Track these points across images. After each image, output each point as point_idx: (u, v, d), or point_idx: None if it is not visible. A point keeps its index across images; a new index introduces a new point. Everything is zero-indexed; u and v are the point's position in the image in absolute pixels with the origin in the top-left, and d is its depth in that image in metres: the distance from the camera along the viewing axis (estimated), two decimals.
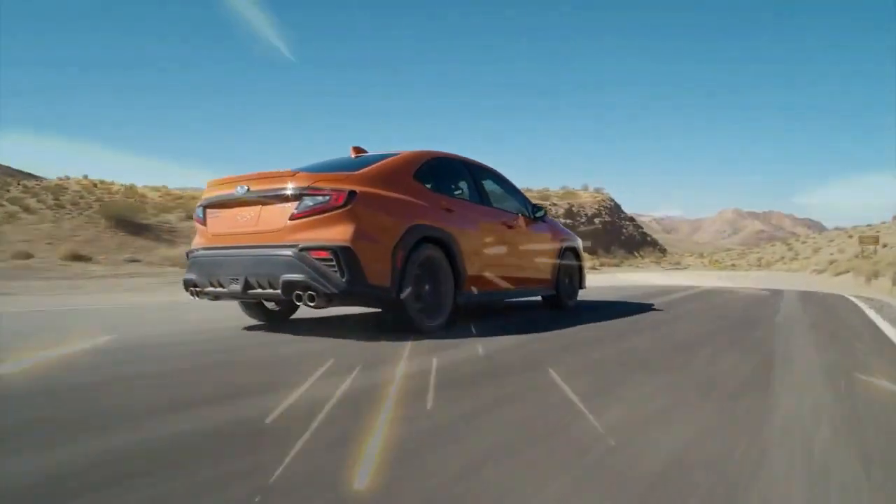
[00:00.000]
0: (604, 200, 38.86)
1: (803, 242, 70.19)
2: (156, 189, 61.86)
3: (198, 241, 4.22)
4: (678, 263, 50.03)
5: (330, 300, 3.51)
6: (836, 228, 75.89)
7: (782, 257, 63.26)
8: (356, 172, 3.86)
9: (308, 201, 3.58)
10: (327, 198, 3.55)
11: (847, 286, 14.18)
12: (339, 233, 3.50)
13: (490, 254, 4.70)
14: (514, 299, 6.83)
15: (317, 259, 3.47)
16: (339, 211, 3.54)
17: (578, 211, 32.67)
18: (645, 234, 40.74)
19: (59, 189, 39.45)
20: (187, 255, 4.24)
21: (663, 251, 41.44)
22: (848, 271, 19.52)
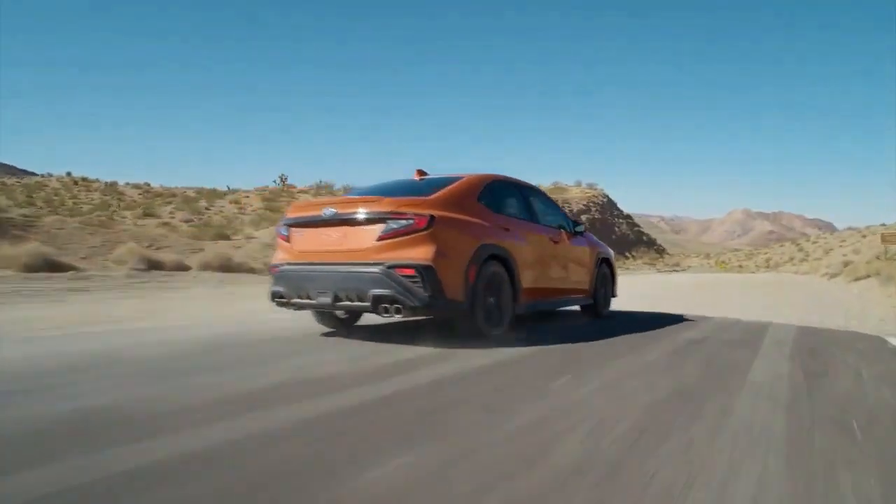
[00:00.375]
0: (595, 196, 35.50)
1: (814, 243, 66.67)
2: (137, 187, 59.92)
3: (282, 257, 4.56)
4: (677, 265, 46.75)
5: (414, 312, 3.97)
6: (849, 228, 72.27)
7: (791, 258, 60.28)
8: (431, 197, 4.27)
9: (393, 224, 3.98)
10: (411, 221, 3.97)
11: (872, 301, 10.69)
12: (422, 253, 3.93)
13: (540, 267, 5.14)
14: (557, 308, 6.58)
15: (402, 276, 3.89)
16: (422, 233, 3.96)
17: (562, 206, 29.22)
18: (641, 233, 37.32)
19: None
20: (271, 268, 4.65)
21: (660, 251, 37.92)
22: (868, 276, 16.06)
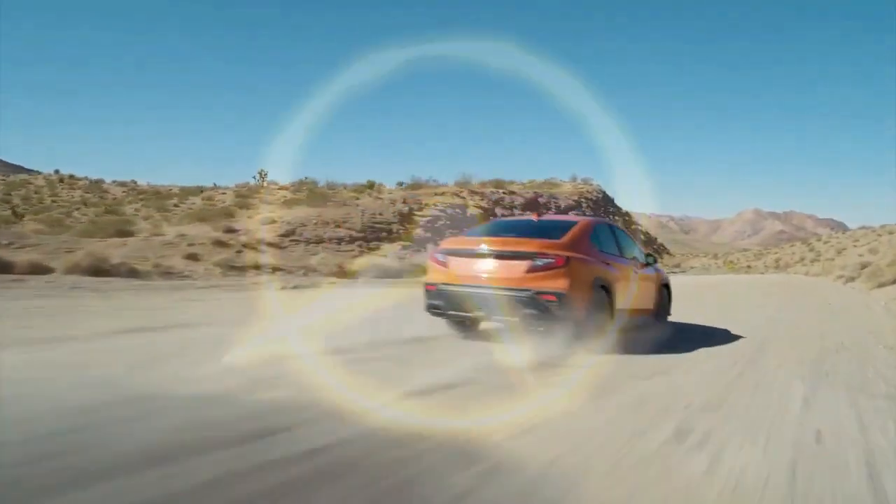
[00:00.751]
0: (589, 191, 32.76)
1: (825, 242, 63.30)
2: (123, 185, 58.21)
3: (438, 278, 5.68)
4: (678, 266, 43.82)
5: (551, 326, 5.13)
6: (863, 227, 68.72)
7: (802, 259, 57.16)
8: (562, 241, 5.51)
9: (539, 261, 5.25)
10: (552, 260, 5.25)
11: None
12: (560, 284, 5.16)
13: (627, 292, 6.26)
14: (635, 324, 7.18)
15: (545, 300, 5.12)
16: (560, 269, 5.22)
17: (548, 202, 26.51)
18: (639, 230, 34.36)
19: None
20: (427, 286, 5.75)
21: (660, 250, 34.96)
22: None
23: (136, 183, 59.34)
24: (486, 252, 5.45)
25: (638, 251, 7.18)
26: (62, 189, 53.22)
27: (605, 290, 5.68)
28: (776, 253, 77.67)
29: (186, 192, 39.96)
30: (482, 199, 23.00)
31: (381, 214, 17.91)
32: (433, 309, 5.67)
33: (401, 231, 17.45)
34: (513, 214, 26.30)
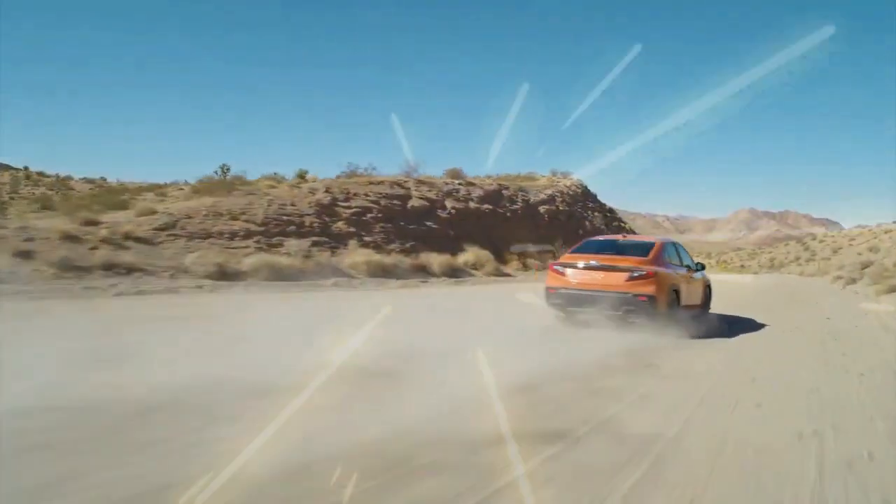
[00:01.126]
0: (569, 186, 29.99)
1: (821, 241, 60.65)
2: (90, 181, 55.74)
3: (559, 283, 7.77)
4: None
5: (643, 319, 7.28)
6: (859, 226, 66.10)
7: (797, 258, 54.55)
8: (648, 258, 7.61)
9: (635, 273, 7.33)
10: (644, 272, 7.33)
11: None
12: (650, 289, 7.25)
13: (686, 293, 8.31)
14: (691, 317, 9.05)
15: (640, 300, 7.23)
16: (650, 279, 7.32)
17: (514, 195, 23.72)
18: (621, 228, 31.64)
19: None
20: (549, 289, 7.86)
21: None
22: None
23: (105, 180, 56.77)
24: (595, 265, 7.60)
25: (690, 260, 9.10)
26: (26, 185, 50.89)
27: (675, 292, 7.86)
28: (770, 252, 75.09)
29: (143, 189, 37.05)
30: (430, 190, 20.20)
31: (293, 205, 15.15)
32: (555, 306, 7.89)
33: (316, 225, 14.71)
34: (515, 215, 23.81)
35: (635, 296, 7.17)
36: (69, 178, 58.87)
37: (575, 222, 27.40)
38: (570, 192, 30.15)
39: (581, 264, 7.64)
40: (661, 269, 7.50)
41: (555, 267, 7.94)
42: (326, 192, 16.22)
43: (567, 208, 27.70)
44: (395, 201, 18.13)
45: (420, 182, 19.99)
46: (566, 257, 8.13)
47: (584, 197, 31.86)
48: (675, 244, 8.82)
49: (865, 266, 18.76)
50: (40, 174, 61.49)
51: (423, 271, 14.76)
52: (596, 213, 31.10)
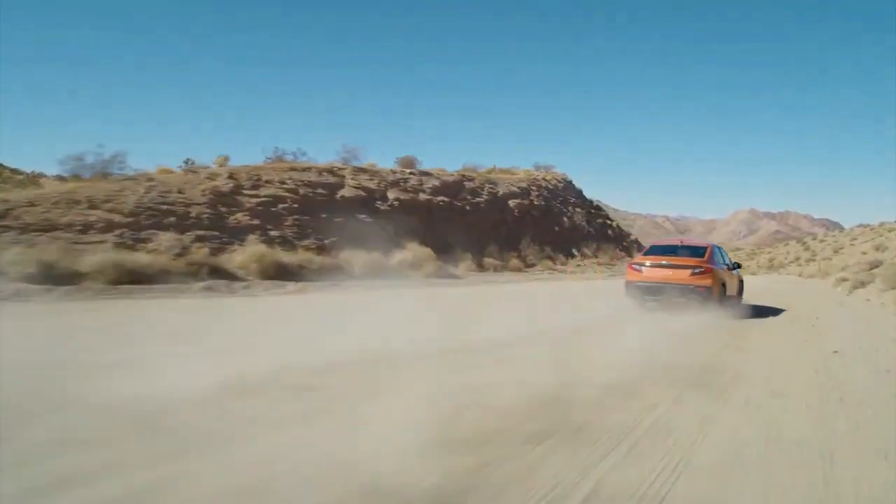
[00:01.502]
0: (545, 179, 27.23)
1: (821, 241, 57.72)
2: (64, 179, 53.40)
3: (636, 277, 9.82)
4: None
5: (703, 305, 9.18)
6: (860, 226, 63.06)
7: (797, 258, 51.60)
8: (704, 258, 9.64)
9: (696, 270, 9.35)
10: (702, 269, 9.35)
11: None
12: (707, 282, 9.26)
13: (729, 285, 10.38)
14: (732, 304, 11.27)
15: (699, 291, 9.24)
16: (707, 274, 9.32)
17: (480, 187, 20.98)
18: (607, 226, 28.90)
19: None
20: (627, 282, 10.00)
21: (629, 249, 29.42)
22: None
23: (79, 178, 54.11)
24: (665, 264, 9.71)
25: (728, 260, 11.19)
26: None
27: (723, 285, 9.95)
28: (769, 252, 72.16)
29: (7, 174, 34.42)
30: (371, 179, 17.53)
31: (180, 192, 12.57)
32: (631, 296, 9.92)
33: (206, 216, 12.15)
34: (477, 208, 21.22)
35: (697, 287, 9.30)
36: (41, 175, 56.65)
37: (551, 218, 24.66)
38: (549, 186, 27.41)
39: (652, 263, 9.84)
40: (714, 267, 9.67)
41: (633, 266, 10.17)
42: (230, 177, 13.67)
43: (543, 203, 24.95)
44: (319, 190, 15.54)
45: (359, 170, 17.38)
46: (639, 258, 10.44)
47: (566, 191, 29.11)
48: (719, 248, 11.05)
49: (874, 266, 15.99)
50: (14, 171, 59.35)
51: (341, 272, 12.17)
52: (578, 210, 28.35)
